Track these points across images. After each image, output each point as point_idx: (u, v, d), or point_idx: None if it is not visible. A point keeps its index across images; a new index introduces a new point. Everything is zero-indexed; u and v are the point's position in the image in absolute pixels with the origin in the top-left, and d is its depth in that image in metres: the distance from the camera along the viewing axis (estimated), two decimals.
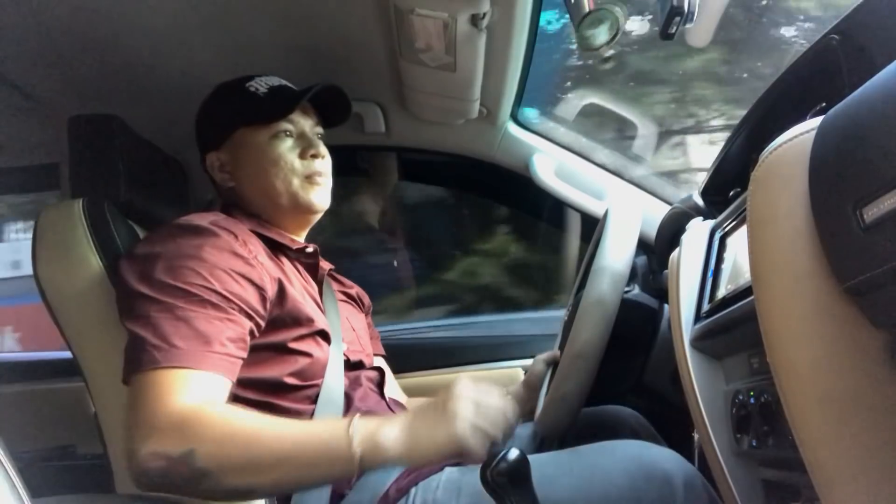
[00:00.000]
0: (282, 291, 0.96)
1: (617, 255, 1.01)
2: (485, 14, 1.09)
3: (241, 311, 0.89)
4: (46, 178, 1.64)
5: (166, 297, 0.86)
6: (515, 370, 1.59)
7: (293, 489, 0.82)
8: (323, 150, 1.11)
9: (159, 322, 0.84)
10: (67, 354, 1.04)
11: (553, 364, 1.15)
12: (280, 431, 0.76)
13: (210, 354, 0.83)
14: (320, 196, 1.09)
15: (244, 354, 0.89)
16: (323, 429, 0.77)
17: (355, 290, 1.29)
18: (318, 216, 1.13)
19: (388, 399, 1.10)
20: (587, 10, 1.04)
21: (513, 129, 1.57)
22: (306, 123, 1.10)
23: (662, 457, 0.86)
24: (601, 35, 1.07)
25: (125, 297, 0.90)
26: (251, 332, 0.91)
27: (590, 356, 0.94)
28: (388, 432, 0.74)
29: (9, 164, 1.63)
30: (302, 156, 1.08)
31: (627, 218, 1.08)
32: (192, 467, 0.74)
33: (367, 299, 1.32)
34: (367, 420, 0.75)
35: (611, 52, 1.17)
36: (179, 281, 0.87)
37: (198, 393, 0.80)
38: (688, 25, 0.93)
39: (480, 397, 0.74)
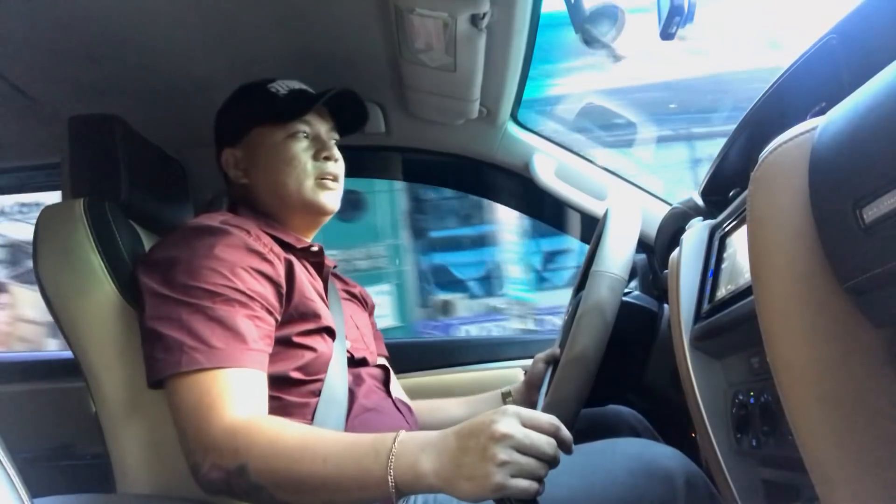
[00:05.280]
0: (292, 286, 0.97)
1: (616, 259, 1.01)
2: (485, 14, 1.09)
3: (263, 307, 0.92)
4: (46, 178, 1.65)
5: (193, 300, 0.88)
6: (515, 370, 1.59)
7: None
8: (337, 153, 1.12)
9: (193, 324, 0.86)
10: (67, 354, 1.04)
11: (553, 362, 1.15)
12: (325, 451, 0.76)
13: (248, 352, 0.87)
14: (331, 199, 1.11)
15: (271, 350, 0.92)
16: (365, 452, 0.75)
17: (358, 289, 1.29)
18: (328, 218, 1.14)
19: (394, 398, 1.10)
20: (586, 9, 1.07)
21: (513, 129, 1.57)
22: (322, 126, 1.12)
23: (664, 454, 0.86)
24: (607, 30, 1.13)
25: (150, 300, 0.91)
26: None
27: (588, 361, 0.94)
28: (427, 463, 0.72)
29: (9, 164, 1.63)
30: (315, 157, 1.10)
31: (627, 220, 1.07)
32: (248, 481, 0.77)
33: (370, 299, 1.32)
34: (408, 445, 0.74)
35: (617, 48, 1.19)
36: (202, 282, 0.88)
37: (244, 397, 0.83)
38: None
39: (523, 438, 0.69)
